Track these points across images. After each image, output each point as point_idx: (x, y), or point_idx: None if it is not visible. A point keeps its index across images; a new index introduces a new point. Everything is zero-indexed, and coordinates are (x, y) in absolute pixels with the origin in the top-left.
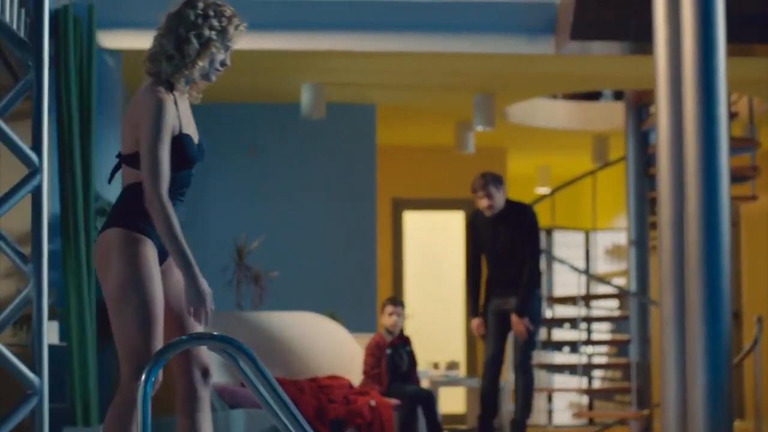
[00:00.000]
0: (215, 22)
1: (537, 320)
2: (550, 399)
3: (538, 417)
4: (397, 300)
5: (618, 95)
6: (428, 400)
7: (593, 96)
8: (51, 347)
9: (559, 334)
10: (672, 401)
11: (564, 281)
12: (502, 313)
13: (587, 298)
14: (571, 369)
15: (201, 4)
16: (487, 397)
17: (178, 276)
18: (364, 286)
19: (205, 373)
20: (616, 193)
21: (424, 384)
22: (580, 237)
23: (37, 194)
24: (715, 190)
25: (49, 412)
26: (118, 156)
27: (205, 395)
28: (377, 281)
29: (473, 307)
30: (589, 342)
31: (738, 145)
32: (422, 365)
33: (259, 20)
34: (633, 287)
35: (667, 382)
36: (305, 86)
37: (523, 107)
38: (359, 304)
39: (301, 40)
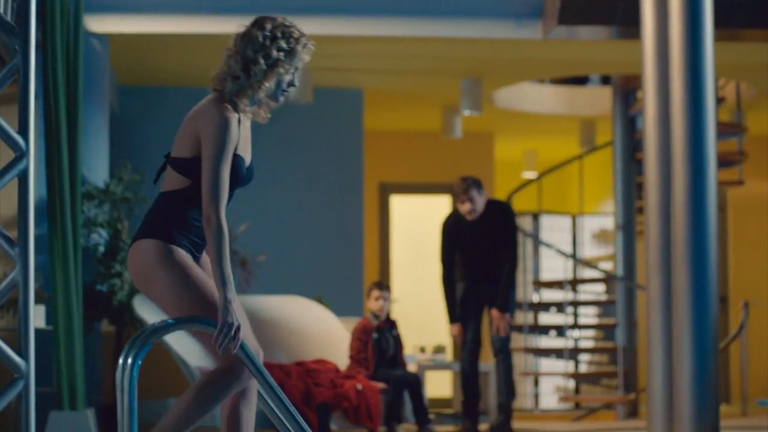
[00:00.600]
0: (283, 44)
1: (513, 314)
2: (536, 383)
3: (524, 401)
4: (383, 284)
5: (605, 80)
6: (415, 383)
7: (580, 81)
8: (37, 331)
9: (546, 319)
10: (658, 385)
11: (551, 266)
12: (476, 298)
13: (574, 283)
14: (558, 353)
15: (269, 26)
16: (468, 382)
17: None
18: (351, 270)
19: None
20: (603, 177)
21: (411, 368)
22: (566, 221)
23: (23, 178)
24: (702, 175)
25: (35, 396)
26: (167, 157)
27: (252, 384)
28: (364, 265)
29: (452, 313)
30: (575, 326)
31: (725, 130)
32: (409, 349)
33: (245, 4)
34: (620, 272)
35: (653, 367)
36: None
37: (510, 92)
38: (346, 288)
39: None
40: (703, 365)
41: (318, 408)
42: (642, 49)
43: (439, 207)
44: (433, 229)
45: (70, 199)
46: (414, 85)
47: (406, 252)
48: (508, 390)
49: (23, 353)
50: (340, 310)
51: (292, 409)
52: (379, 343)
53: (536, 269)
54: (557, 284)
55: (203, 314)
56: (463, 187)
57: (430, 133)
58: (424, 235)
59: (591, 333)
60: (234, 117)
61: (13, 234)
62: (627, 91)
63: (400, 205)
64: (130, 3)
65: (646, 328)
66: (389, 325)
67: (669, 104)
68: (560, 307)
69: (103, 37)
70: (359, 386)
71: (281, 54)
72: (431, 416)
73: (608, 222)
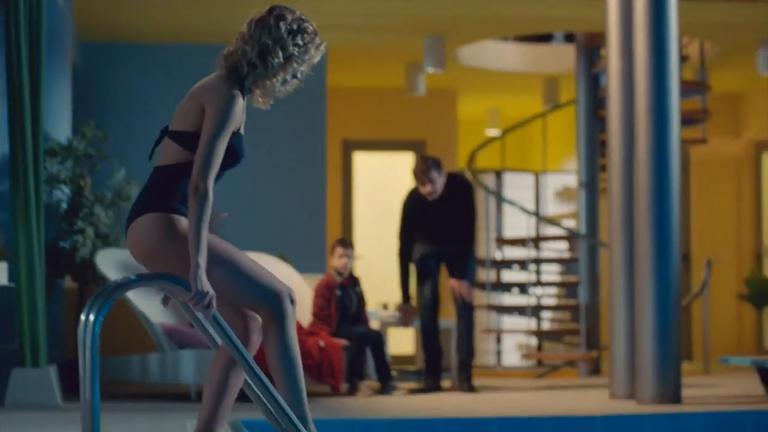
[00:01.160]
0: (299, 39)
1: (473, 282)
2: (498, 340)
3: (486, 358)
4: (346, 242)
5: (569, 38)
6: (377, 340)
7: (544, 38)
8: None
9: (509, 276)
10: (620, 343)
11: (514, 223)
12: (435, 258)
13: (537, 240)
14: (520, 310)
15: (290, 18)
16: (429, 340)
17: None
18: (314, 227)
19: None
20: (567, 135)
21: (374, 325)
22: (530, 179)
23: None
24: (666, 133)
25: None
26: (163, 130)
27: (256, 340)
28: (327, 222)
29: (404, 292)
30: (538, 283)
31: (689, 88)
32: (371, 306)
33: None
34: (582, 229)
35: (615, 324)
36: None
37: (473, 49)
38: (309, 246)
39: None
40: (665, 323)
41: None
42: (606, 7)
43: (402, 164)
44: (395, 185)
45: (33, 156)
46: (377, 42)
47: (369, 209)
48: (467, 348)
49: None
50: (302, 267)
51: (255, 365)
52: (342, 300)
53: (499, 227)
54: (520, 242)
55: (230, 270)
56: (423, 169)
57: (394, 90)
58: (387, 191)
59: (553, 290)
60: (241, 98)
61: None
62: (591, 48)
63: (363, 162)
64: None
65: (608, 286)
66: (352, 282)
67: (633, 62)
68: (523, 264)
69: None
70: (322, 343)
71: (296, 49)
72: (393, 373)
73: (571, 180)
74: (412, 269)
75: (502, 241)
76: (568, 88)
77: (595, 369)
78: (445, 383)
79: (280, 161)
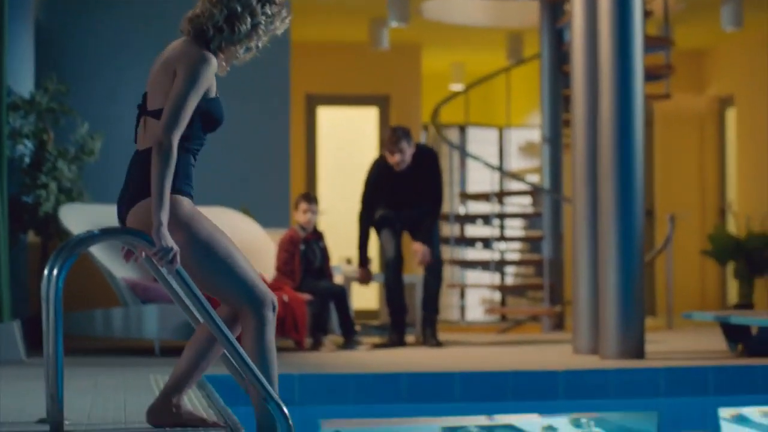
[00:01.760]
0: (268, 9)
1: (437, 246)
2: (462, 295)
3: (450, 313)
4: (310, 196)
5: None
6: (341, 295)
7: None
8: None
9: (473, 231)
10: (584, 298)
11: (477, 178)
12: (398, 219)
13: (500, 195)
14: (484, 265)
15: None
16: (394, 297)
17: None
18: (278, 182)
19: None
20: (530, 90)
21: (337, 280)
22: (494, 134)
23: None
24: (629, 89)
25: None
26: (142, 110)
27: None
28: (290, 177)
29: (362, 255)
30: (502, 238)
31: (653, 43)
32: (335, 261)
33: None
34: (546, 184)
35: (579, 279)
36: None
37: (437, 3)
38: (272, 200)
39: None
40: (628, 278)
41: None
42: None
43: (365, 118)
44: (359, 140)
45: None
46: None
47: (332, 163)
48: (434, 303)
49: None
50: (266, 222)
51: (218, 318)
52: (306, 254)
53: (463, 182)
54: (484, 197)
55: (222, 266)
56: (394, 139)
57: (358, 44)
58: (351, 146)
59: (517, 245)
60: (214, 59)
61: None
62: (554, 3)
63: (326, 116)
64: None
65: (572, 241)
66: (316, 237)
67: (596, 17)
68: (487, 219)
69: None
70: (285, 298)
71: (263, 18)
72: (357, 328)
73: (535, 135)
74: (373, 233)
75: (465, 196)
76: (532, 43)
77: (559, 324)
78: (410, 338)
79: (244, 115)
